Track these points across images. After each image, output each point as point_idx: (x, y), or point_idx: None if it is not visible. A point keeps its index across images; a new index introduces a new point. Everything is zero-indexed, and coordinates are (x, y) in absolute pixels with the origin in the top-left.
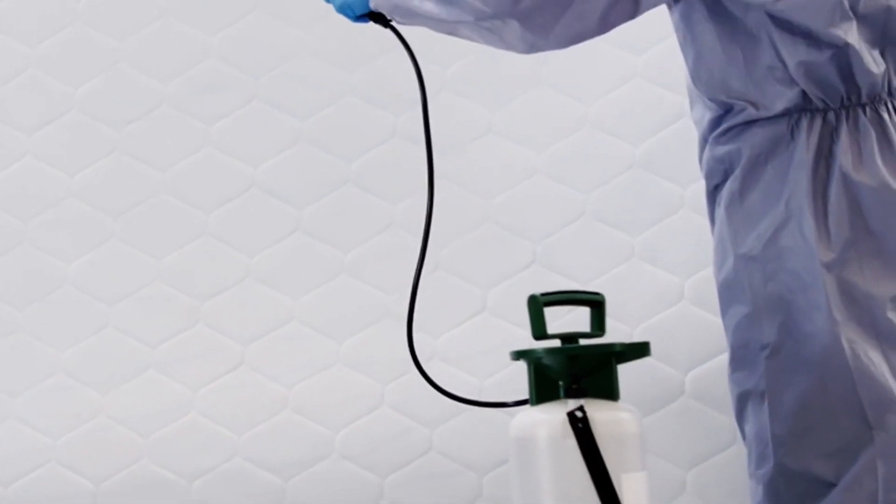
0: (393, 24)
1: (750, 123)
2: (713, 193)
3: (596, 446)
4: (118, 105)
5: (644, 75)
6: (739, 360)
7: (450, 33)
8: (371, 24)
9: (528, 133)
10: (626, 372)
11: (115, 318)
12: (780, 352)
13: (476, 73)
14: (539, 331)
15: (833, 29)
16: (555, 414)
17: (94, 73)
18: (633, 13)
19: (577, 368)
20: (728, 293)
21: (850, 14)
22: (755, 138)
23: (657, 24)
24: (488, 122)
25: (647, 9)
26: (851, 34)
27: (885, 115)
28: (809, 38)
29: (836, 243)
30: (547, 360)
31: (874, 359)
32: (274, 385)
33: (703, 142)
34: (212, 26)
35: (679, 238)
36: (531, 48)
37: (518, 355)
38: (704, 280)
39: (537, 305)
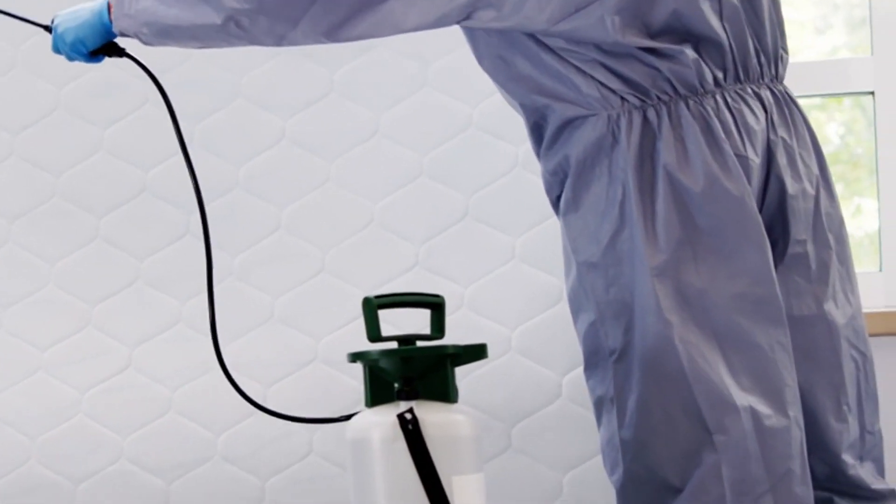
0: (130, 53)
1: (570, 126)
2: (556, 206)
3: (425, 448)
4: (13, 109)
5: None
6: (592, 366)
7: (202, 46)
8: (107, 60)
9: (413, 135)
10: (502, 374)
11: (7, 321)
12: (625, 357)
13: (362, 76)
14: (373, 333)
15: (623, 38)
16: (387, 416)
17: None
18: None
19: (410, 370)
20: (575, 301)
21: (639, 24)
22: (579, 142)
23: None
24: (374, 125)
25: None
26: (642, 40)
27: (710, 109)
28: (600, 49)
29: (667, 245)
30: (382, 363)
31: (711, 360)
32: (159, 387)
33: (539, 159)
34: None
35: (559, 240)
36: (281, 40)
37: (354, 357)
38: None
39: (371, 308)
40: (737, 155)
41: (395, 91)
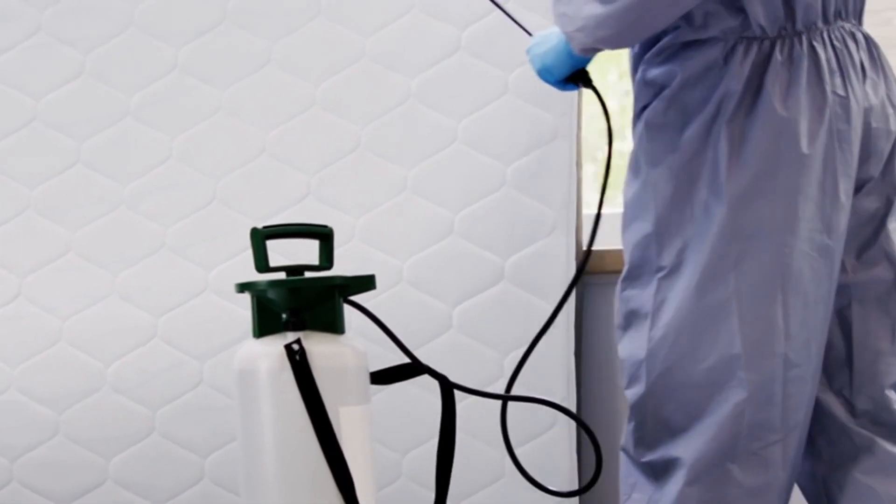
0: (595, 86)
1: (685, 46)
2: (639, 114)
3: (312, 379)
4: None
5: (421, 7)
6: (633, 278)
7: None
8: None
9: (306, 65)
10: (392, 306)
11: None
12: (673, 276)
13: (256, 4)
14: (261, 264)
15: None
16: (274, 347)
17: None
18: None
19: (298, 301)
20: (634, 209)
21: None
22: (688, 61)
23: None
24: (267, 54)
25: None
26: None
27: (819, 47)
28: None
29: (750, 175)
30: (269, 293)
31: (769, 299)
32: (49, 317)
33: (636, 63)
34: None
35: (451, 172)
36: None
37: (242, 287)
38: (474, 214)
39: (259, 238)
40: (836, 94)
41: (288, 21)
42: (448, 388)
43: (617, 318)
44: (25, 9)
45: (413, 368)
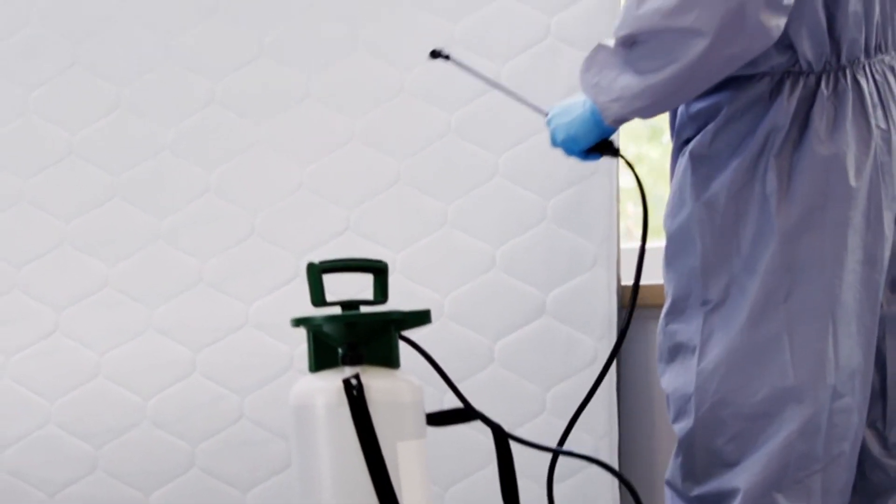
0: (622, 154)
1: (730, 80)
2: (681, 147)
3: (368, 414)
4: None
5: (462, 43)
6: (678, 311)
7: (707, 83)
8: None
9: (345, 99)
10: (435, 339)
11: None
12: (721, 309)
13: (293, 38)
14: (318, 298)
15: None
16: (331, 381)
17: None
18: None
19: (355, 336)
20: (680, 242)
21: None
22: (735, 95)
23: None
24: (305, 88)
25: None
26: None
27: (862, 80)
28: None
29: (800, 207)
30: (325, 328)
31: (820, 329)
32: (87, 352)
33: None
34: None
35: (491, 206)
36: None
37: (298, 322)
38: (515, 248)
39: (315, 272)
40: (879, 128)
41: (325, 53)
42: (503, 438)
43: (660, 352)
44: (60, 42)
45: (466, 413)
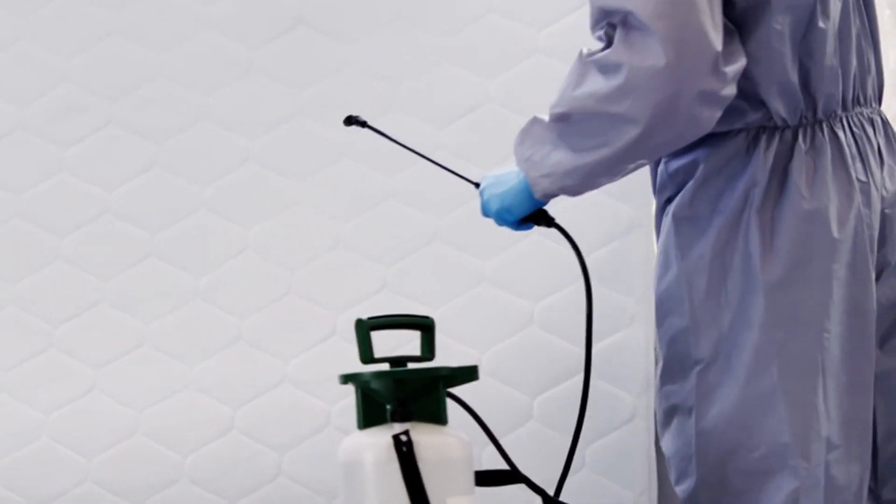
0: (559, 223)
1: (706, 137)
2: (664, 207)
3: (417, 470)
4: None
5: (497, 100)
6: (671, 373)
7: (633, 167)
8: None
9: (382, 157)
10: (474, 395)
11: None
12: (712, 368)
13: (329, 96)
14: (366, 355)
15: (805, 37)
16: (381, 438)
17: None
18: None
19: (403, 392)
20: (668, 303)
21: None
22: (711, 152)
23: (511, 45)
24: (342, 146)
25: None
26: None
27: (840, 134)
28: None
29: (784, 262)
30: (374, 384)
31: (810, 384)
32: (125, 409)
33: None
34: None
35: (529, 262)
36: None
37: (346, 379)
38: (553, 305)
39: (364, 329)
40: (859, 180)
41: (364, 114)
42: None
43: (658, 415)
44: (95, 101)
45: (513, 476)
